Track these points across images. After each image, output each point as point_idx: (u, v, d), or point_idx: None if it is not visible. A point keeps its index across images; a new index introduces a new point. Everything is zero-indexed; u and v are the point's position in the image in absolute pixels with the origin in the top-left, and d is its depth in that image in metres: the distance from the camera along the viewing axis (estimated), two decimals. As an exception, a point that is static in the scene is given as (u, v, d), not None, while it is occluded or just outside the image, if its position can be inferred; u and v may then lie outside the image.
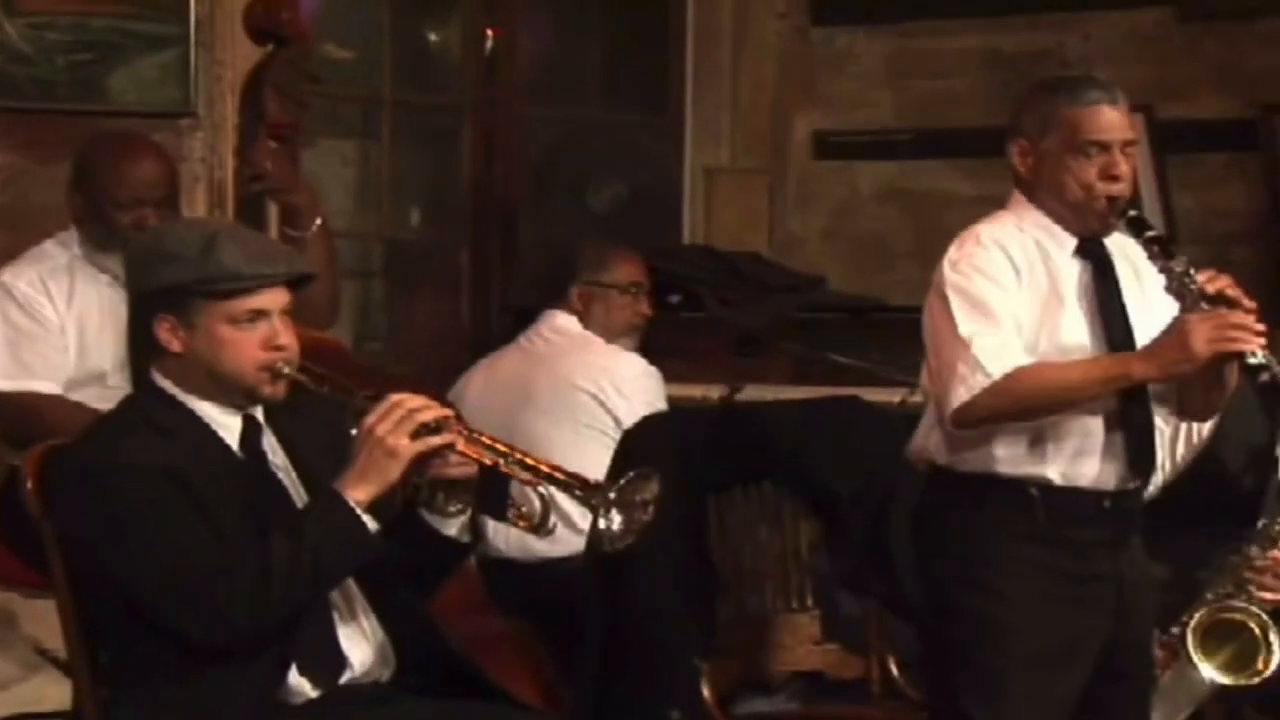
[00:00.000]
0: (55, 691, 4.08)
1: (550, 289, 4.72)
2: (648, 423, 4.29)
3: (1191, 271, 3.28)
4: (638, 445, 4.16)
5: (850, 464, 4.13)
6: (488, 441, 3.02)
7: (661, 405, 4.55)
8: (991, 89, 6.06)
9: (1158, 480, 3.84)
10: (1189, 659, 3.65)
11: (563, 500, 3.25)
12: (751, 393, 5.06)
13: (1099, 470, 3.39)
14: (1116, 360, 3.33)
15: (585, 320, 4.66)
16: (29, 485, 3.14)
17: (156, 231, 3.39)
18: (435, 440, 2.94)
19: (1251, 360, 3.22)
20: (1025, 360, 3.30)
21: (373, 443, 2.91)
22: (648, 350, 4.78)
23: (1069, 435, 3.36)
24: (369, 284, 5.94)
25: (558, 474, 3.00)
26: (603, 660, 3.93)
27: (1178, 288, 3.29)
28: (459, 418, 3.03)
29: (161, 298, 3.01)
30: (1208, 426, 3.78)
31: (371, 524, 2.92)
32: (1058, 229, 3.41)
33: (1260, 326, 3.24)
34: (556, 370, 4.54)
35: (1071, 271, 3.41)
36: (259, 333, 3.00)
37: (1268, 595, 3.71)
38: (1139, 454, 3.40)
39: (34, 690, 4.58)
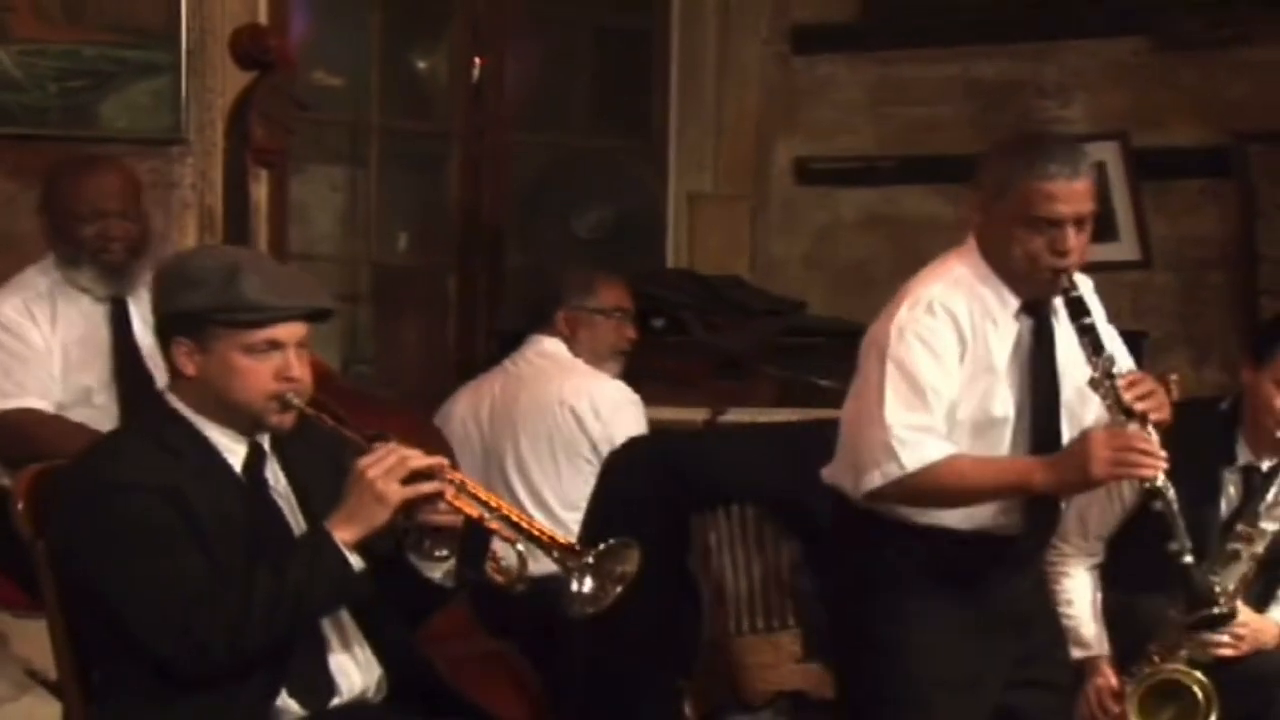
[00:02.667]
0: (45, 712, 4.07)
1: (537, 314, 4.74)
2: (632, 444, 4.31)
3: (1114, 373, 3.31)
4: (622, 467, 4.18)
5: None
6: (477, 494, 3.04)
7: (641, 431, 4.55)
8: (971, 116, 6.10)
9: (1117, 512, 3.90)
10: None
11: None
12: (734, 415, 5.08)
13: (1006, 521, 3.45)
14: (1021, 471, 3.37)
15: (572, 344, 4.69)
16: (20, 506, 3.15)
17: (184, 256, 3.42)
18: (424, 488, 2.96)
19: (1148, 485, 3.30)
20: (941, 449, 3.32)
21: (363, 485, 2.94)
22: (632, 373, 4.79)
23: None
24: (356, 308, 5.93)
25: (540, 534, 3.02)
26: (586, 679, 3.94)
27: (1099, 386, 3.33)
28: (454, 467, 3.05)
29: (181, 321, 3.03)
30: None
31: (357, 563, 2.94)
32: (1004, 288, 3.40)
33: (1162, 453, 3.29)
34: (539, 393, 4.56)
35: (1010, 334, 3.41)
36: (272, 363, 3.01)
37: (1210, 652, 3.74)
38: (1040, 508, 3.46)
39: (24, 711, 4.56)
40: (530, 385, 4.58)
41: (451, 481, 2.99)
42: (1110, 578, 3.94)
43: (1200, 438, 3.88)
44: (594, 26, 6.49)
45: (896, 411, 3.32)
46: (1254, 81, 5.57)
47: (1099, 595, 3.91)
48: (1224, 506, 3.92)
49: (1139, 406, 3.29)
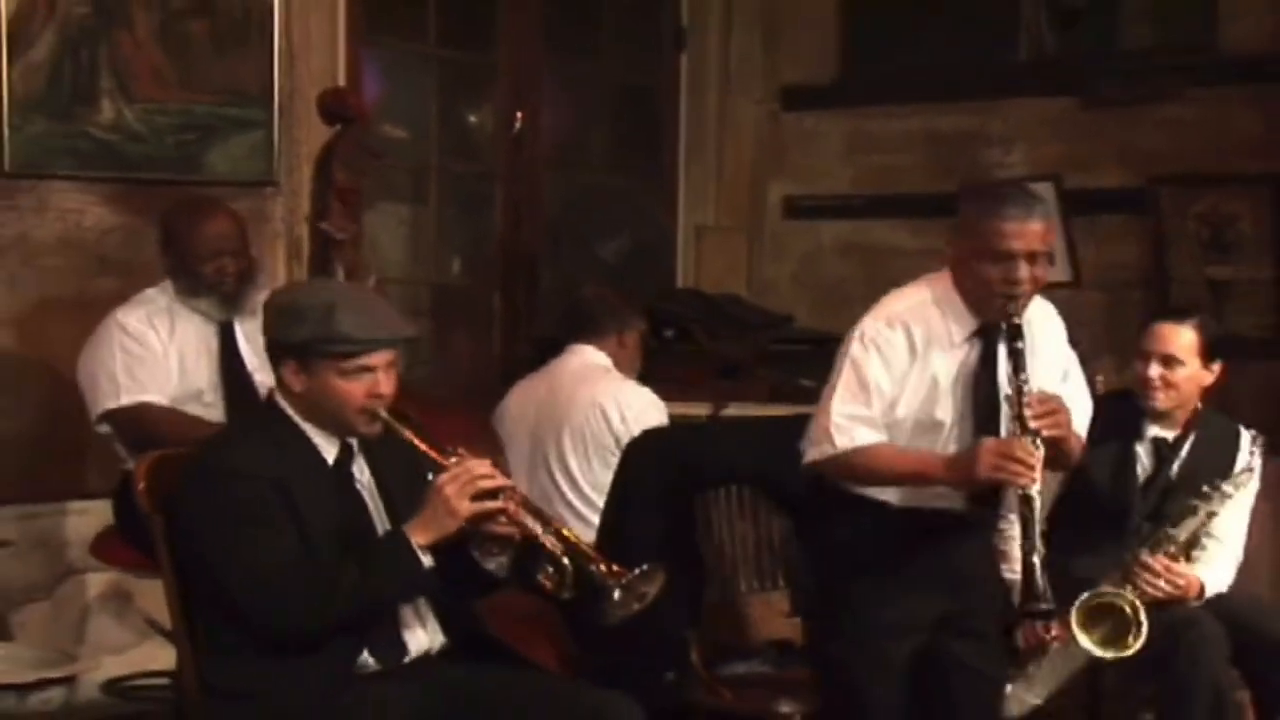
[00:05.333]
0: (163, 655, 4.10)
1: (585, 326, 4.71)
2: (647, 436, 4.29)
3: (1025, 391, 3.25)
4: (638, 455, 4.18)
5: (814, 470, 4.14)
6: (535, 511, 3.06)
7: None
8: (931, 162, 6.11)
9: (1052, 490, 3.86)
10: (1071, 633, 3.69)
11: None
12: (733, 411, 5.08)
13: (945, 503, 3.42)
14: (926, 464, 3.34)
15: (619, 356, 4.68)
16: (141, 486, 3.17)
17: (290, 291, 3.45)
18: (489, 505, 2.98)
19: (1020, 491, 3.24)
20: (869, 437, 3.32)
21: (439, 500, 2.96)
22: (647, 376, 4.79)
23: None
24: (417, 321, 5.94)
25: (584, 552, 3.03)
26: (610, 633, 3.94)
27: (1011, 402, 3.29)
28: (504, 468, 3.08)
29: (289, 348, 3.05)
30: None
31: (428, 561, 2.96)
32: (964, 310, 3.38)
33: (1037, 467, 3.21)
34: (578, 395, 4.53)
35: (961, 352, 3.38)
36: (364, 384, 3.04)
37: (1148, 590, 3.75)
38: (982, 493, 3.41)
39: (145, 654, 4.59)
40: (570, 388, 4.56)
41: (513, 499, 3.02)
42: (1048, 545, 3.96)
43: (1116, 421, 3.93)
44: (615, 86, 6.50)
45: (842, 401, 3.34)
46: (1165, 135, 5.58)
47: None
48: (1140, 473, 3.94)
49: (1034, 424, 3.25)
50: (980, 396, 3.37)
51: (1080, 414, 3.51)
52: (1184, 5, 5.50)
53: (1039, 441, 3.24)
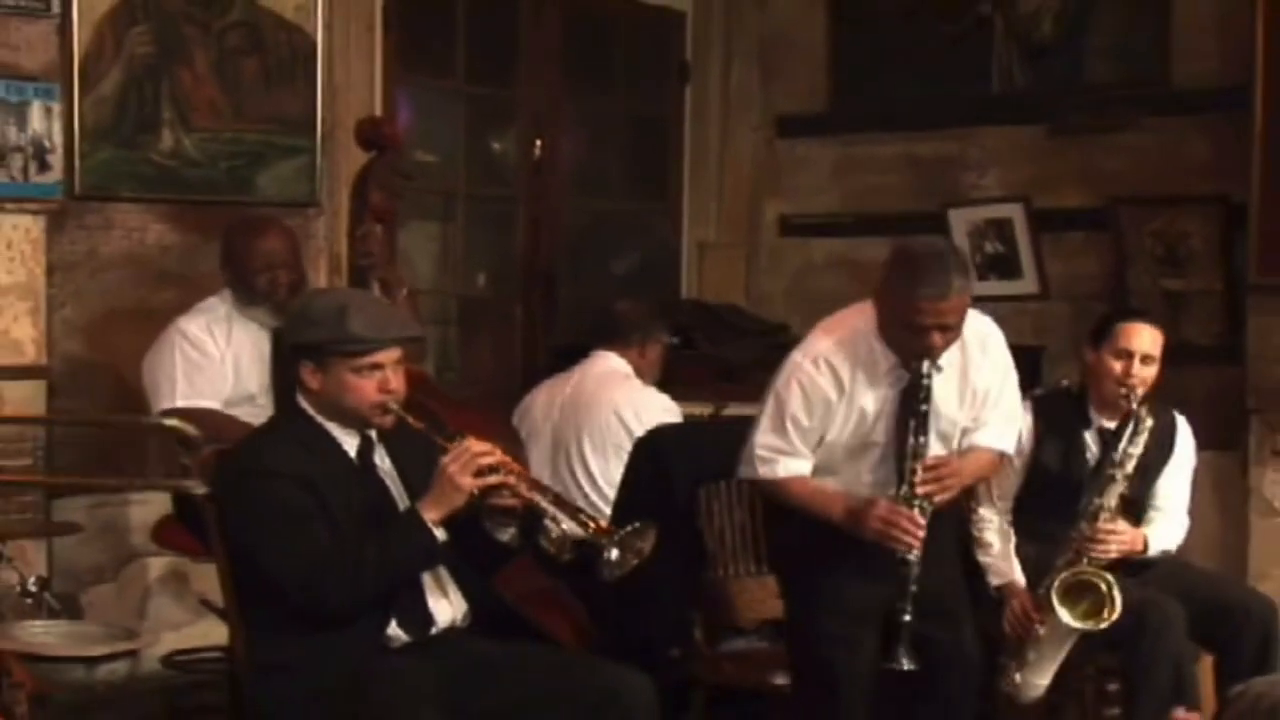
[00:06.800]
0: (216, 632, 4.11)
1: (609, 334, 4.68)
2: (655, 433, 4.30)
3: (919, 456, 3.25)
4: (648, 450, 4.19)
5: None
6: (534, 482, 3.07)
7: (675, 434, 4.54)
8: (913, 184, 6.10)
9: (1014, 481, 3.88)
10: (1054, 613, 3.69)
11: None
12: (733, 410, 5.08)
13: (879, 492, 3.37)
14: (829, 510, 3.34)
15: (645, 364, 4.66)
16: (195, 480, 3.21)
17: (306, 298, 3.44)
18: (490, 479, 3.00)
19: (899, 555, 3.25)
20: (788, 469, 3.34)
21: (444, 478, 2.98)
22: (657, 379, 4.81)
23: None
24: (446, 330, 5.96)
25: (580, 516, 3.05)
26: (619, 611, 3.96)
27: (903, 463, 3.28)
28: (518, 458, 3.08)
29: (305, 350, 3.07)
30: (1026, 440, 3.84)
31: (441, 535, 2.98)
32: (888, 350, 3.35)
33: (918, 535, 3.20)
34: (598, 398, 4.52)
35: (887, 384, 3.35)
36: (375, 380, 3.04)
37: (1102, 556, 3.76)
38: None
39: (200, 631, 4.60)
40: (591, 391, 4.54)
41: (513, 473, 3.03)
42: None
43: (1064, 415, 3.94)
44: (625, 117, 6.51)
45: (764, 433, 3.37)
46: (1124, 159, 5.58)
47: (1011, 541, 3.93)
48: (1090, 460, 3.93)
49: (921, 490, 3.25)
50: (906, 423, 3.34)
51: (1010, 427, 3.55)
52: (1141, 44, 5.52)
53: (925, 505, 3.26)
